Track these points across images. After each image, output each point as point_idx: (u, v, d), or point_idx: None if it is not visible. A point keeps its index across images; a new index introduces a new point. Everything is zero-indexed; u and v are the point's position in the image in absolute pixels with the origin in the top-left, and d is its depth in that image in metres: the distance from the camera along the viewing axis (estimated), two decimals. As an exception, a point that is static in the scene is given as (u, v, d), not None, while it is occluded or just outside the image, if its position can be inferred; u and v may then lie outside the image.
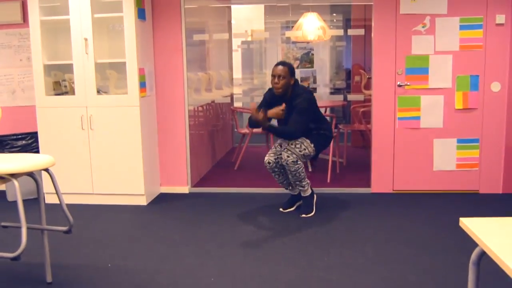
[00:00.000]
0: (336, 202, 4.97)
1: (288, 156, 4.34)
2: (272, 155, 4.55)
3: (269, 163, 4.51)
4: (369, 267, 3.42)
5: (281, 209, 4.72)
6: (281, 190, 5.29)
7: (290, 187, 4.71)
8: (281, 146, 4.56)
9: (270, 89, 4.59)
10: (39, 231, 3.36)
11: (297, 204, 4.77)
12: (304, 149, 4.40)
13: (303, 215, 4.56)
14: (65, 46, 5.04)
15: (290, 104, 4.36)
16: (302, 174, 4.42)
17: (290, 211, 4.70)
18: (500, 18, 4.92)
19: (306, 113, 4.35)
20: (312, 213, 4.59)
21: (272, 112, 4.28)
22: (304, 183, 4.51)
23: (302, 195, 4.63)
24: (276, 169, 4.56)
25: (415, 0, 4.98)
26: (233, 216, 4.61)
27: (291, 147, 4.39)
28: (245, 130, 6.57)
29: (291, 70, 4.38)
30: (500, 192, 5.17)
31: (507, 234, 1.83)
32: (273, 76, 4.36)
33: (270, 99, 4.52)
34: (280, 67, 4.34)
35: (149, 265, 3.53)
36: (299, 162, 4.37)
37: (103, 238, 4.10)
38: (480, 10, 4.95)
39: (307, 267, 3.45)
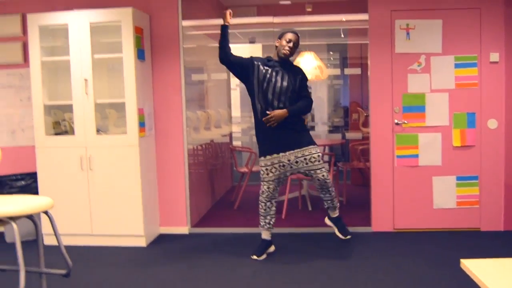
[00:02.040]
0: (336, 241, 4.92)
1: (323, 174, 4.32)
2: (274, 181, 4.38)
3: (273, 190, 4.39)
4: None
5: (254, 257, 4.49)
6: (280, 229, 5.25)
7: (271, 224, 4.55)
8: (283, 166, 4.34)
9: (265, 58, 4.46)
10: (38, 274, 3.32)
11: (269, 250, 4.59)
12: (322, 156, 4.42)
13: (348, 237, 4.55)
14: (65, 86, 5.08)
15: (289, 69, 4.38)
16: (334, 190, 4.50)
17: (264, 258, 4.51)
18: (494, 56, 4.99)
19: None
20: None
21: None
22: (337, 201, 4.54)
23: (335, 215, 4.59)
24: (275, 196, 4.47)
25: (410, 39, 5.06)
26: (233, 257, 4.56)
27: (316, 163, 4.31)
28: (244, 169, 6.57)
29: (299, 41, 4.43)
30: (502, 229, 5.15)
31: (508, 276, 1.81)
32: (289, 40, 4.31)
33: (263, 63, 4.36)
34: (295, 35, 4.35)
35: (147, 308, 3.48)
36: (329, 175, 4.42)
37: (102, 281, 4.05)
38: (474, 49, 5.02)
39: (308, 308, 3.40)
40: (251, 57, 4.43)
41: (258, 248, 4.55)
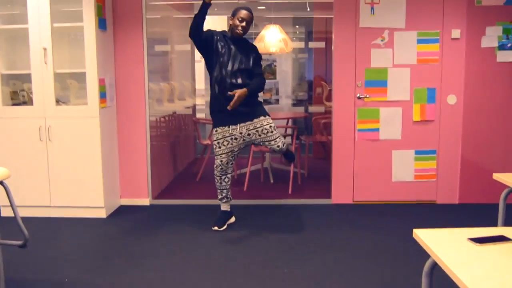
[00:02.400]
0: (297, 213, 4.99)
1: (278, 145, 4.37)
2: (228, 154, 4.40)
3: (227, 163, 4.43)
4: (327, 278, 3.45)
5: (216, 228, 4.52)
6: (242, 201, 5.29)
7: (228, 198, 4.62)
8: (235, 139, 4.36)
9: (220, 32, 4.41)
10: (-7, 245, 3.27)
11: (229, 222, 4.66)
12: (274, 126, 4.43)
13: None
14: (24, 55, 4.95)
15: (244, 47, 4.36)
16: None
17: (225, 229, 4.56)
18: (456, 33, 5.06)
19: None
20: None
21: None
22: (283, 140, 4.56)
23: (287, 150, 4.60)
24: (229, 171, 4.52)
25: (374, 14, 5.08)
26: (194, 228, 4.58)
27: (270, 134, 4.34)
28: (207, 141, 6.56)
29: (253, 17, 4.38)
30: (457, 202, 5.30)
31: (458, 245, 1.87)
32: (241, 19, 4.25)
33: (220, 39, 4.33)
34: (247, 12, 4.28)
35: (107, 279, 3.48)
36: (285, 142, 4.47)
37: (60, 252, 4.02)
38: (437, 25, 5.08)
39: (267, 278, 3.46)
40: (210, 30, 4.36)
41: (219, 219, 4.60)
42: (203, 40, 4.24)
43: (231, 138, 4.36)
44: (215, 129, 4.43)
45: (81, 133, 4.80)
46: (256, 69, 4.37)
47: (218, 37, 4.32)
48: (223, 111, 4.29)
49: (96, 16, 4.69)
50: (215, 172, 4.49)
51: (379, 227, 4.58)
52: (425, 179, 5.29)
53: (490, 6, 5.02)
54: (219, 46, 4.28)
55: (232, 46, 4.30)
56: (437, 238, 1.95)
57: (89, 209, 4.94)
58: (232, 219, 4.70)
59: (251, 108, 4.33)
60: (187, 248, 4.08)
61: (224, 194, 4.58)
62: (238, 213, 4.86)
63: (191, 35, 4.20)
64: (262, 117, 4.35)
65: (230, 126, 4.32)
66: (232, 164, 4.49)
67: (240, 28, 4.26)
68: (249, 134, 4.34)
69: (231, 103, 4.15)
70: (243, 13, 4.27)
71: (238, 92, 4.15)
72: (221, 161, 4.42)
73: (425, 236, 1.96)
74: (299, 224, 4.64)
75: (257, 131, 4.33)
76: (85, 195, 4.90)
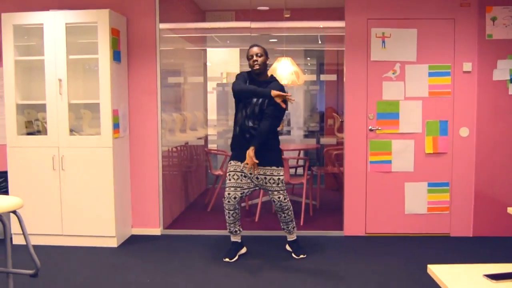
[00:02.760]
0: (309, 245, 4.95)
1: (279, 197, 4.38)
2: (237, 189, 4.41)
3: (234, 198, 4.41)
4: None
5: (227, 259, 4.50)
6: (254, 232, 5.27)
7: (238, 230, 4.61)
8: (244, 177, 4.42)
9: (246, 72, 4.51)
10: (5, 274, 3.27)
11: (240, 252, 4.65)
12: (282, 180, 4.43)
13: (302, 256, 4.59)
14: (39, 86, 5.03)
15: (263, 86, 4.36)
16: (292, 214, 4.54)
17: (236, 260, 4.55)
18: (467, 66, 5.08)
19: (282, 112, 4.41)
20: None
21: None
22: (293, 224, 4.61)
23: (291, 239, 4.68)
24: (237, 207, 4.49)
25: (385, 48, 5.12)
26: (205, 259, 4.56)
27: (274, 185, 4.38)
28: (219, 172, 6.57)
29: (264, 49, 4.43)
30: (471, 235, 5.23)
31: (474, 282, 1.85)
32: (251, 56, 4.35)
33: (248, 80, 4.44)
34: (256, 47, 4.38)
35: (117, 310, 3.46)
36: (287, 199, 4.45)
37: (71, 282, 4.01)
38: (448, 58, 5.11)
39: (279, 312, 3.41)
40: (242, 73, 4.50)
41: (230, 251, 4.58)
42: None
43: (241, 174, 4.41)
44: (229, 162, 4.50)
45: (94, 162, 4.84)
46: (267, 109, 4.35)
47: (247, 80, 4.45)
48: (240, 148, 4.40)
49: (111, 49, 4.77)
50: (224, 204, 4.48)
51: (392, 260, 4.52)
52: (438, 211, 5.24)
53: (501, 39, 5.05)
54: None
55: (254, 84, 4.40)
56: (452, 274, 1.93)
57: (101, 238, 4.93)
58: (243, 250, 4.69)
59: (268, 153, 4.39)
60: (199, 279, 4.05)
61: (232, 228, 4.57)
62: (249, 244, 4.83)
63: (236, 95, 4.40)
64: (274, 167, 4.41)
65: (243, 163, 4.35)
66: (238, 200, 4.44)
67: (255, 63, 4.36)
68: (257, 178, 4.40)
69: (248, 166, 4.25)
70: (252, 50, 4.39)
71: (248, 159, 4.22)
72: (229, 193, 4.41)
73: (440, 272, 1.94)
74: (311, 256, 4.60)
75: (265, 177, 4.39)
76: (97, 224, 4.91)
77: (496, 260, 2.09)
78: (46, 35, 4.78)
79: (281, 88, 4.38)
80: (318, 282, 3.96)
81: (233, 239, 4.63)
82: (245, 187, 4.45)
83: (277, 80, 4.50)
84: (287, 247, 4.72)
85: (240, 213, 4.57)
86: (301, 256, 4.58)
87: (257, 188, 4.52)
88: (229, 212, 4.47)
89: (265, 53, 4.41)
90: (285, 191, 4.46)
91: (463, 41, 5.09)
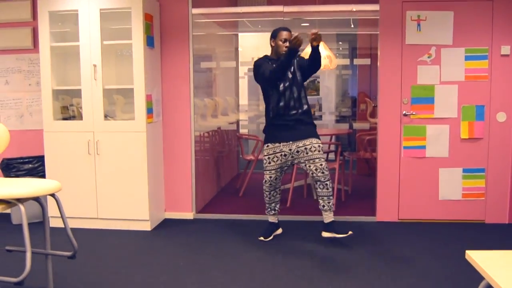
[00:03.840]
0: (341, 230, 4.93)
1: (322, 164, 4.31)
2: (277, 170, 4.49)
3: (276, 179, 4.51)
4: (374, 298, 3.39)
5: (261, 238, 4.64)
6: (286, 217, 5.27)
7: (276, 210, 4.69)
8: (284, 156, 4.43)
9: (263, 58, 4.54)
10: (43, 256, 3.35)
11: (276, 233, 4.75)
12: (322, 147, 4.43)
13: (350, 232, 4.37)
14: (74, 72, 5.10)
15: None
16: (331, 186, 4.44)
17: (270, 240, 4.66)
18: (505, 49, 4.95)
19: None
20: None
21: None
22: (333, 200, 4.48)
23: (329, 219, 4.42)
24: (278, 186, 4.58)
25: (421, 31, 5.03)
26: (238, 243, 4.59)
27: (316, 153, 4.33)
28: (251, 157, 6.58)
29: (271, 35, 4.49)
30: (506, 222, 5.14)
31: (513, 267, 1.82)
32: (284, 40, 4.37)
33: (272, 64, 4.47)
34: (288, 32, 4.40)
35: (152, 292, 3.51)
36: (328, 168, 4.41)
37: (107, 264, 4.09)
38: (485, 41, 4.99)
39: (312, 296, 3.42)
40: (261, 60, 4.52)
41: (266, 230, 4.69)
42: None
43: (281, 155, 4.44)
44: (266, 145, 4.51)
45: (128, 147, 4.90)
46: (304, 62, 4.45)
47: (271, 63, 4.45)
48: (276, 129, 4.45)
49: (144, 34, 4.80)
50: (264, 187, 4.56)
51: (426, 246, 4.47)
52: (473, 198, 5.16)
53: (542, 21, 4.90)
54: None
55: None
56: (491, 260, 1.90)
57: (135, 222, 5.01)
58: (279, 231, 4.78)
59: (305, 128, 4.41)
60: (231, 262, 4.09)
61: (272, 207, 4.67)
62: (283, 228, 4.84)
63: (272, 78, 4.34)
64: (313, 138, 4.39)
65: (282, 143, 4.41)
66: (280, 179, 4.57)
67: (284, 48, 4.36)
68: (297, 151, 4.38)
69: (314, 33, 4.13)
70: (285, 33, 4.40)
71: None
72: (270, 177, 4.49)
73: (478, 258, 1.92)
74: (343, 242, 4.58)
75: (305, 148, 4.36)
76: (131, 208, 4.98)
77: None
78: (81, 21, 4.84)
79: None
80: (350, 268, 3.95)
81: (270, 219, 4.73)
82: (284, 165, 4.51)
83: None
84: (325, 234, 4.43)
85: (280, 193, 4.65)
86: (349, 232, 4.36)
87: (295, 163, 4.51)
88: (270, 193, 4.58)
89: (270, 38, 4.50)
90: (325, 161, 4.38)
91: (502, 23, 4.96)
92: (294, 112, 4.40)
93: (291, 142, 4.39)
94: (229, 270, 3.93)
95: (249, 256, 4.24)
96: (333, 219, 4.45)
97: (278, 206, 4.70)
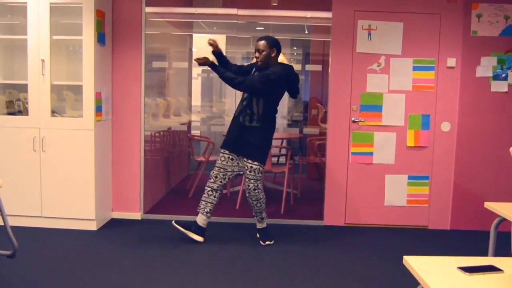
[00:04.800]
0: (288, 234, 4.99)
1: (250, 185, 4.45)
2: (221, 170, 4.58)
3: (216, 177, 4.58)
4: (317, 301, 3.44)
5: (267, 242, 4.68)
6: (234, 219, 5.28)
7: (207, 212, 4.65)
8: (231, 160, 4.56)
9: (254, 65, 4.63)
10: (-18, 255, 3.25)
11: (194, 237, 4.64)
12: (256, 169, 4.47)
13: (268, 242, 4.64)
14: (22, 66, 4.96)
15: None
16: (263, 204, 4.58)
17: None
18: (451, 61, 5.13)
19: (268, 83, 4.35)
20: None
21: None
22: (262, 216, 4.66)
23: (260, 227, 4.72)
24: (217, 189, 4.60)
25: (371, 40, 5.14)
26: (184, 244, 4.56)
27: (248, 174, 4.46)
28: (201, 158, 6.56)
29: (270, 43, 4.43)
30: (448, 228, 5.31)
31: (448, 274, 1.88)
32: (255, 50, 4.44)
33: (255, 70, 4.55)
34: (261, 41, 4.42)
35: (95, 293, 3.45)
36: (260, 187, 4.48)
37: (49, 264, 3.99)
38: (433, 53, 5.14)
39: (256, 299, 3.44)
40: (251, 65, 4.63)
41: (184, 227, 4.65)
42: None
43: (229, 158, 4.55)
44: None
45: (75, 145, 4.80)
46: (252, 76, 4.47)
47: (253, 68, 4.58)
48: (231, 137, 4.57)
49: (95, 31, 4.72)
50: (207, 183, 4.63)
51: (370, 250, 4.57)
52: (417, 204, 5.30)
53: (485, 36, 5.09)
54: None
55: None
56: (427, 265, 1.96)
57: (80, 221, 4.91)
58: (200, 238, 4.62)
59: (248, 147, 4.48)
60: (177, 263, 4.06)
61: (203, 206, 4.64)
62: (229, 232, 4.85)
63: (235, 88, 4.49)
64: (255, 161, 4.46)
65: (228, 150, 4.57)
66: (220, 182, 4.58)
67: (256, 59, 4.46)
68: (238, 163, 4.57)
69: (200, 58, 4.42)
70: (256, 45, 4.47)
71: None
72: (213, 172, 4.60)
73: (415, 263, 1.97)
74: (290, 245, 4.63)
75: (246, 165, 4.48)
76: (77, 207, 4.88)
77: (472, 253, 2.13)
78: (30, 14, 4.70)
79: (278, 73, 4.39)
80: (295, 270, 3.99)
81: (197, 219, 4.64)
82: (229, 169, 4.56)
83: (276, 66, 4.46)
84: (257, 235, 4.73)
85: (217, 199, 4.64)
86: (267, 242, 4.62)
87: (241, 173, 4.59)
88: (209, 190, 4.61)
89: (269, 47, 4.42)
90: (258, 181, 4.49)
91: (448, 36, 5.13)
92: (244, 123, 4.47)
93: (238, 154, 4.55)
94: (174, 270, 3.90)
95: (195, 257, 4.22)
96: (264, 226, 4.73)
97: (210, 208, 4.62)
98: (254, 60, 4.49)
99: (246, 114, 4.43)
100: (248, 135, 4.45)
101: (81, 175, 4.83)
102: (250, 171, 4.45)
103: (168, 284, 3.64)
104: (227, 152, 4.56)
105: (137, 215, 5.41)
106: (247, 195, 4.54)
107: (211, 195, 4.60)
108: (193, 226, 4.62)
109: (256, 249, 4.50)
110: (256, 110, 4.40)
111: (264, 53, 4.40)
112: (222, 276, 3.84)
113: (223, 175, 4.56)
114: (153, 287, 3.58)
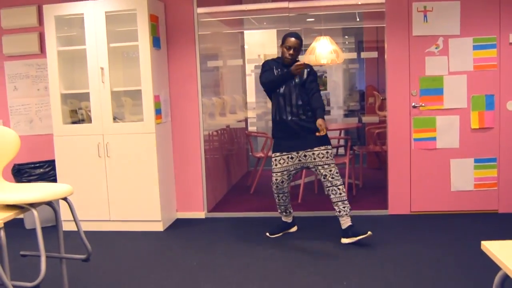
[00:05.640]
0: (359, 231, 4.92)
1: (331, 169, 4.33)
2: (284, 173, 4.44)
3: (282, 182, 4.46)
4: (389, 291, 3.38)
5: (267, 234, 4.70)
6: (297, 213, 5.26)
7: (288, 212, 4.72)
8: (291, 158, 4.42)
9: (272, 60, 4.53)
10: (58, 260, 3.37)
11: (284, 231, 4.76)
12: (331, 153, 4.42)
13: (369, 233, 4.30)
14: (82, 75, 5.12)
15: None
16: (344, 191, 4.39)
17: (278, 236, 4.69)
18: (514, 37, 4.92)
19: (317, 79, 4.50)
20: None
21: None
22: (348, 207, 4.39)
23: (347, 224, 4.38)
24: (286, 190, 4.55)
25: (428, 22, 4.99)
26: (249, 241, 4.59)
27: (323, 159, 4.34)
28: (260, 154, 6.58)
29: (301, 41, 4.40)
30: (520, 211, 5.11)
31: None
32: (289, 47, 4.34)
33: (276, 68, 4.46)
34: (296, 40, 4.34)
35: (167, 292, 3.52)
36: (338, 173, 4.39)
37: (121, 266, 4.10)
38: (493, 30, 4.94)
39: (326, 292, 3.42)
40: (268, 62, 4.50)
41: (274, 227, 4.75)
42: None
43: (288, 157, 4.43)
44: (275, 153, 4.49)
45: (138, 148, 4.91)
46: (311, 87, 4.39)
47: (274, 67, 4.46)
48: (285, 137, 4.43)
49: (150, 35, 4.80)
50: (273, 189, 4.56)
51: (439, 238, 4.45)
52: (485, 188, 5.12)
53: (550, 8, 4.86)
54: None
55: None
56: (507, 249, 1.88)
57: (147, 223, 5.03)
58: (293, 229, 4.80)
59: (310, 136, 4.37)
60: (244, 260, 4.09)
61: (282, 209, 4.69)
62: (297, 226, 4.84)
63: (265, 87, 4.45)
64: (320, 147, 4.37)
65: (289, 152, 4.43)
66: (288, 183, 4.52)
67: (288, 55, 4.36)
68: (305, 156, 4.39)
69: (321, 130, 4.13)
70: (291, 41, 4.35)
71: (321, 127, 4.12)
72: (276, 179, 4.46)
73: (494, 248, 1.90)
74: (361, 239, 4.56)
75: (313, 153, 4.36)
76: (143, 209, 5.00)
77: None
78: (87, 24, 4.85)
79: (310, 68, 4.42)
80: (364, 263, 3.94)
81: (283, 218, 4.77)
82: (291, 168, 4.46)
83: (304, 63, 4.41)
84: (345, 240, 4.37)
85: (289, 196, 4.64)
86: (369, 232, 4.29)
87: (304, 167, 4.51)
88: (278, 195, 4.57)
89: (301, 45, 4.39)
90: (335, 166, 4.38)
91: (509, 11, 4.91)
92: (294, 118, 4.37)
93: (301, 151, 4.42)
94: (242, 268, 3.93)
95: (263, 254, 4.24)
96: (350, 223, 4.39)
97: (289, 207, 4.70)
98: (286, 56, 4.35)
99: (294, 109, 4.36)
100: (303, 128, 4.36)
101: (145, 177, 4.94)
102: (326, 157, 4.34)
103: (235, 282, 3.66)
104: (284, 152, 4.43)
105: (201, 214, 5.48)
106: (328, 184, 4.32)
107: (286, 199, 4.62)
108: (279, 226, 4.75)
109: (323, 243, 4.46)
110: (301, 102, 4.36)
111: (297, 52, 4.38)
112: (287, 271, 3.83)
113: (288, 176, 4.47)
114: (221, 286, 3.61)
